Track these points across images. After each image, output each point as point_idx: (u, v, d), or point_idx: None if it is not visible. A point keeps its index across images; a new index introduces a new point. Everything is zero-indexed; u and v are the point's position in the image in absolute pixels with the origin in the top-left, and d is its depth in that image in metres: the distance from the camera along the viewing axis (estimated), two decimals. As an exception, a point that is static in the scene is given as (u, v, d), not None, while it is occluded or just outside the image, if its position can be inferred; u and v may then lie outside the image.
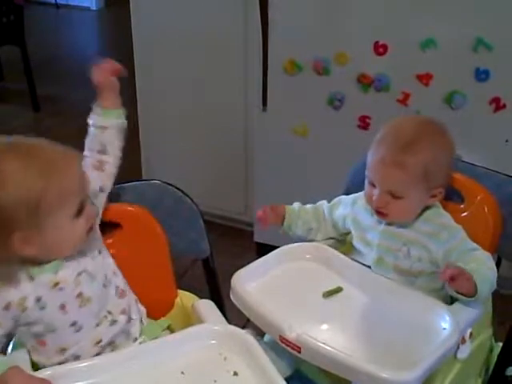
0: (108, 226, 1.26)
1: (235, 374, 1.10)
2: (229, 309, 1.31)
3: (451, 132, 1.28)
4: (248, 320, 1.24)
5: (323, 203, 1.42)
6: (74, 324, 1.10)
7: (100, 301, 1.13)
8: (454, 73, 1.97)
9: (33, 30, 4.14)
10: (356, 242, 1.35)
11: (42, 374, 1.04)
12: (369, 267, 1.31)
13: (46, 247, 1.04)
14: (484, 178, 1.37)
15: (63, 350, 1.11)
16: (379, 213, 1.26)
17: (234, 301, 1.23)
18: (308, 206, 1.42)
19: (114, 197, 1.29)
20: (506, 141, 1.99)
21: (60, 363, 1.10)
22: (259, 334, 1.23)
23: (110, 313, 1.15)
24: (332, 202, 1.41)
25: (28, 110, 3.85)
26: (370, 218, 1.31)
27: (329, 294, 1.26)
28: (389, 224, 1.28)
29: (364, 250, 1.33)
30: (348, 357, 1.05)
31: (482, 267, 1.17)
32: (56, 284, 1.08)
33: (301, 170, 2.26)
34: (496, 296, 1.25)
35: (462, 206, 1.36)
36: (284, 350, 1.21)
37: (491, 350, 1.33)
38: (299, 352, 1.10)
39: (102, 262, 1.15)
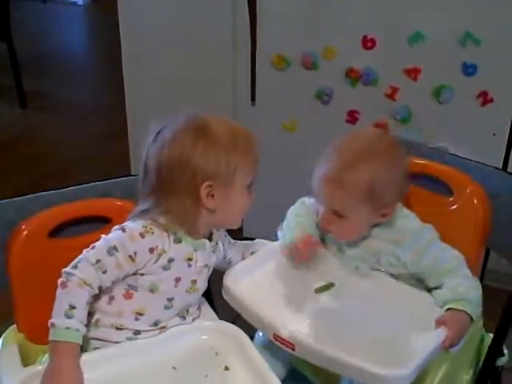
0: (97, 221, 1.25)
1: (226, 368, 1.10)
2: (218, 305, 1.31)
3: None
4: (237, 316, 1.24)
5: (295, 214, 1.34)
6: (170, 300, 1.14)
7: (196, 297, 1.19)
8: (441, 67, 1.98)
9: (19, 26, 4.12)
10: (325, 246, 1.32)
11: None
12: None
13: (222, 207, 1.12)
14: (471, 171, 1.36)
15: (137, 313, 1.11)
16: (325, 230, 1.24)
17: (227, 299, 1.22)
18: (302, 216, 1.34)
19: (103, 192, 1.29)
20: (494, 134, 2.01)
21: (107, 326, 1.11)
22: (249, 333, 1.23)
23: (187, 311, 1.19)
24: (300, 205, 1.35)
25: (15, 106, 3.83)
26: None
27: (321, 289, 1.26)
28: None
29: (339, 257, 1.30)
30: (341, 353, 1.05)
31: (468, 287, 1.16)
32: (189, 259, 1.14)
33: (289, 164, 2.27)
34: (484, 289, 1.25)
35: (451, 198, 1.35)
36: (278, 351, 1.22)
37: (482, 341, 1.34)
38: (293, 349, 1.10)
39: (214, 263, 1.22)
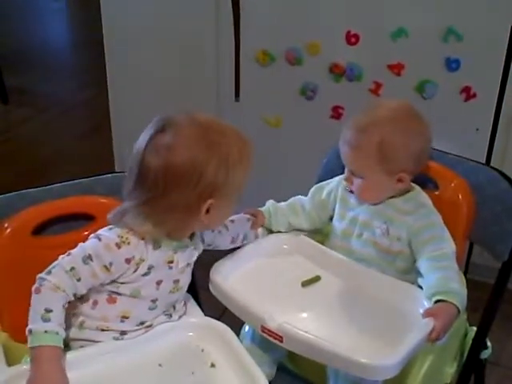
0: (81, 219, 1.25)
1: (213, 365, 1.10)
2: (204, 300, 1.30)
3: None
4: (223, 312, 1.24)
5: (298, 198, 1.42)
6: (154, 301, 1.13)
7: (181, 294, 1.18)
8: (425, 62, 1.99)
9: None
10: (339, 221, 1.35)
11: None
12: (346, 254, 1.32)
13: (214, 219, 1.12)
14: (455, 166, 1.38)
15: (122, 317, 1.10)
16: (350, 191, 1.31)
17: (214, 292, 1.22)
18: (282, 203, 1.41)
19: (87, 189, 1.28)
20: (477, 129, 2.02)
21: (92, 328, 1.10)
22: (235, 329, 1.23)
23: (174, 307, 1.18)
24: (311, 192, 1.41)
25: (-4, 102, 3.80)
26: (355, 197, 1.33)
27: (307, 283, 1.26)
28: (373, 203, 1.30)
29: (347, 227, 1.33)
30: (330, 344, 1.06)
31: (459, 281, 1.17)
32: (170, 262, 1.12)
33: (274, 160, 2.26)
34: (468, 282, 1.26)
35: (436, 192, 1.37)
36: (267, 347, 1.22)
37: (466, 334, 1.35)
38: (281, 341, 1.10)
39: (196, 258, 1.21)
